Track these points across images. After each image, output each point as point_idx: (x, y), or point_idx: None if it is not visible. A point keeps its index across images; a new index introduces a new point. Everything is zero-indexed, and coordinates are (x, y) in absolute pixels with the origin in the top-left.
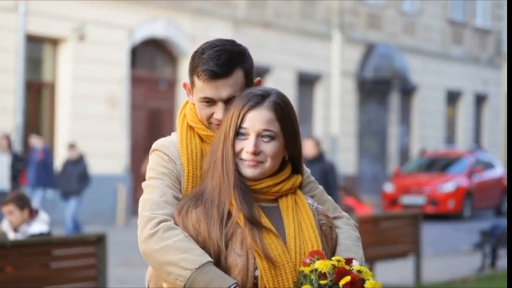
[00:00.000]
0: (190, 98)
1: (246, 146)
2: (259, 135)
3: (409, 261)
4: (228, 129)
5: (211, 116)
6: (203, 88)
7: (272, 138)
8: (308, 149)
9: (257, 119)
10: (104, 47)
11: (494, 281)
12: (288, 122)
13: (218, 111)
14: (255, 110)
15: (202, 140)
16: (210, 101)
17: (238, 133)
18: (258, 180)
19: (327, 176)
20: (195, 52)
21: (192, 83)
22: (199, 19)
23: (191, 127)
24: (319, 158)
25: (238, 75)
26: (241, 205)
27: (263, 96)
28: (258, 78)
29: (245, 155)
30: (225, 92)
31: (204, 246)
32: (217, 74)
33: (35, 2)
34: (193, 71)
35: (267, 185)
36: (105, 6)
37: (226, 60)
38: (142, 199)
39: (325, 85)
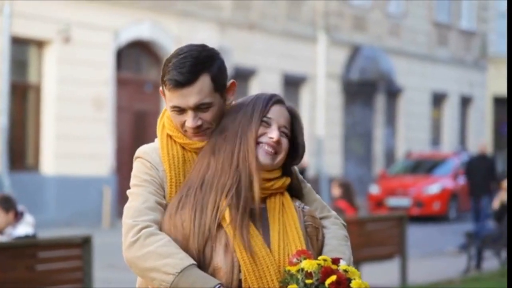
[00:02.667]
0: (166, 105)
1: (270, 132)
2: (279, 129)
3: (394, 263)
4: (249, 115)
5: (183, 124)
6: (171, 97)
7: (286, 135)
8: None
9: (281, 114)
10: (89, 49)
11: (479, 282)
12: (299, 130)
13: (188, 119)
14: (280, 105)
15: (183, 147)
16: (180, 110)
17: (262, 120)
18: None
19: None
20: (166, 60)
21: (163, 91)
22: (184, 21)
23: (170, 136)
24: None
25: (203, 81)
26: (258, 183)
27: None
28: (232, 80)
29: (266, 139)
30: (192, 100)
31: (187, 247)
32: (180, 83)
33: (20, 4)
34: (162, 79)
35: (264, 177)
36: (90, 8)
37: (189, 68)
38: (126, 207)
39: (311, 87)
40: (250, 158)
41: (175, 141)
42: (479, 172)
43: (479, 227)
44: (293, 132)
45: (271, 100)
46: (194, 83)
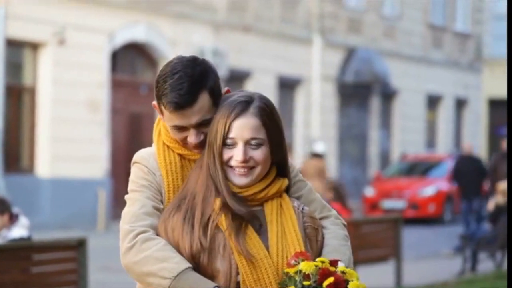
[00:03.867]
0: (162, 117)
1: (235, 155)
2: (247, 143)
3: (389, 265)
4: (213, 137)
5: (184, 139)
6: (171, 117)
7: (259, 144)
8: None
9: (244, 128)
10: (84, 51)
11: (474, 284)
12: (274, 126)
13: (191, 136)
14: (241, 118)
15: (180, 155)
16: (181, 128)
17: (225, 142)
18: (246, 187)
19: None
20: (159, 77)
21: (160, 109)
22: (179, 23)
23: (167, 145)
24: None
25: (203, 99)
26: (238, 206)
27: (247, 102)
28: (226, 88)
29: (234, 162)
30: (193, 119)
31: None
32: (181, 106)
33: (15, 6)
34: (158, 98)
35: (253, 192)
36: (85, 10)
37: (188, 89)
38: (123, 212)
39: (306, 89)
40: (223, 189)
41: (170, 148)
42: (469, 174)
43: (474, 229)
44: (267, 130)
45: (230, 116)
46: (195, 103)
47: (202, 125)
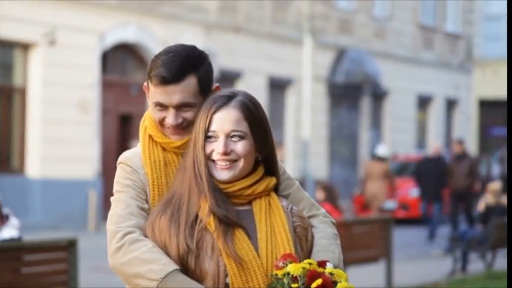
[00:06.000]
0: (148, 96)
1: (216, 147)
2: (228, 136)
3: (380, 266)
4: (197, 132)
5: (163, 119)
6: (155, 92)
7: (241, 137)
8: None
9: (225, 120)
10: (75, 51)
11: (465, 285)
12: (256, 121)
13: (169, 117)
14: (222, 110)
15: (164, 149)
16: (162, 106)
17: (208, 136)
18: (231, 182)
19: None
20: (154, 56)
21: (148, 87)
22: (170, 24)
23: (152, 137)
24: None
25: (190, 82)
26: (216, 207)
27: (230, 97)
28: (216, 84)
29: (216, 156)
30: (175, 98)
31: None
32: (166, 80)
33: (5, 6)
34: (148, 74)
35: (240, 187)
36: (75, 11)
37: (178, 66)
38: (109, 214)
39: (296, 89)
40: (204, 182)
41: (156, 144)
42: (432, 176)
43: (464, 230)
44: (250, 124)
45: (212, 109)
46: (180, 82)
47: (183, 108)
